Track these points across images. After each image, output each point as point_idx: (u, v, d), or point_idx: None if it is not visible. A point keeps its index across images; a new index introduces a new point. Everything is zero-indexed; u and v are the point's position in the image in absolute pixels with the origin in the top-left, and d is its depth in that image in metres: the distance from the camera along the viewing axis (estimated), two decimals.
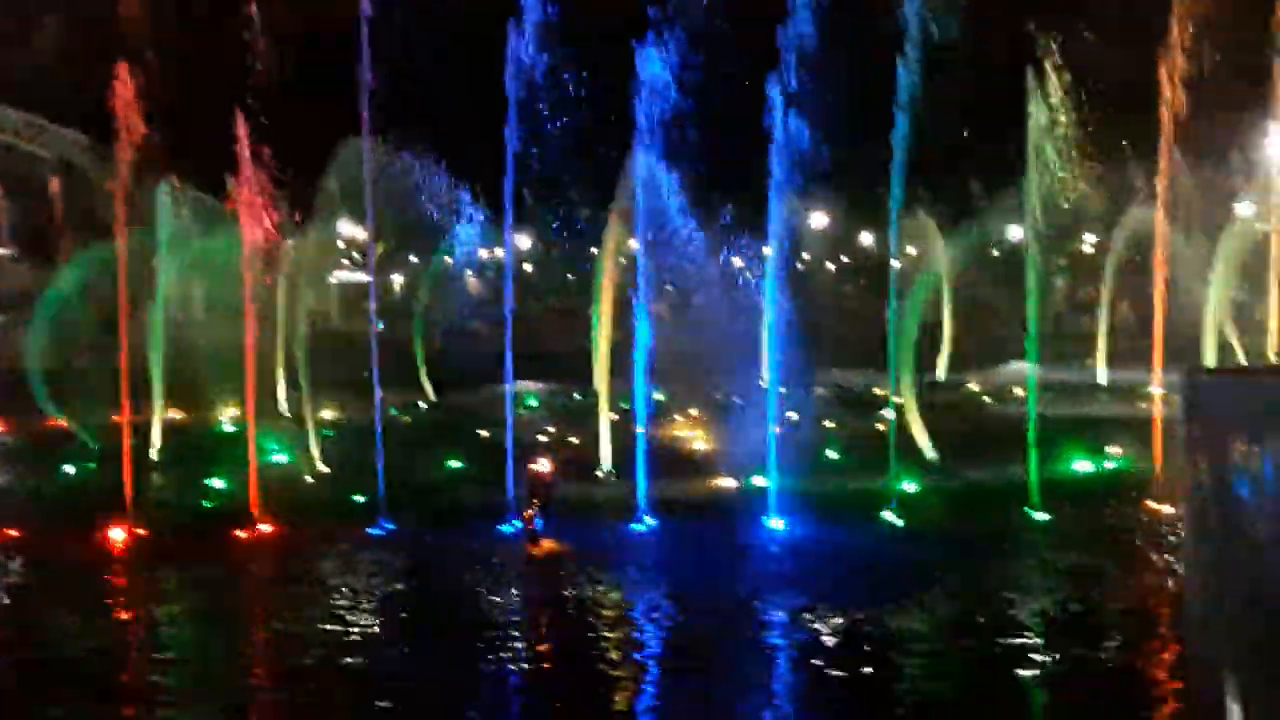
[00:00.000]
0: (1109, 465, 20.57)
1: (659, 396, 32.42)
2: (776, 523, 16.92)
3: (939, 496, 18.86)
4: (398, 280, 65.30)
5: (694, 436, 27.38)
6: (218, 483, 20.51)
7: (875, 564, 13.78)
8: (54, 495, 20.49)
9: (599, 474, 21.09)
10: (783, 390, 33.86)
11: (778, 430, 23.73)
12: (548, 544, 16.02)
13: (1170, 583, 12.69)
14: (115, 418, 20.67)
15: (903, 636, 11.70)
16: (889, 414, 27.52)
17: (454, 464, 23.16)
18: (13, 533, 17.03)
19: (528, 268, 71.51)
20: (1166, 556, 14.08)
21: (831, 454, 22.66)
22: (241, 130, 20.69)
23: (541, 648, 12.16)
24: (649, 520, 17.26)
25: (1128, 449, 19.98)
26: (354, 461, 22.22)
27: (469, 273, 62.85)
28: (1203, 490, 4.28)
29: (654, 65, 21.00)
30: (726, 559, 15.39)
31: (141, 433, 25.25)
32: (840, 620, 12.07)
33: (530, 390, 31.35)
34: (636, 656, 11.42)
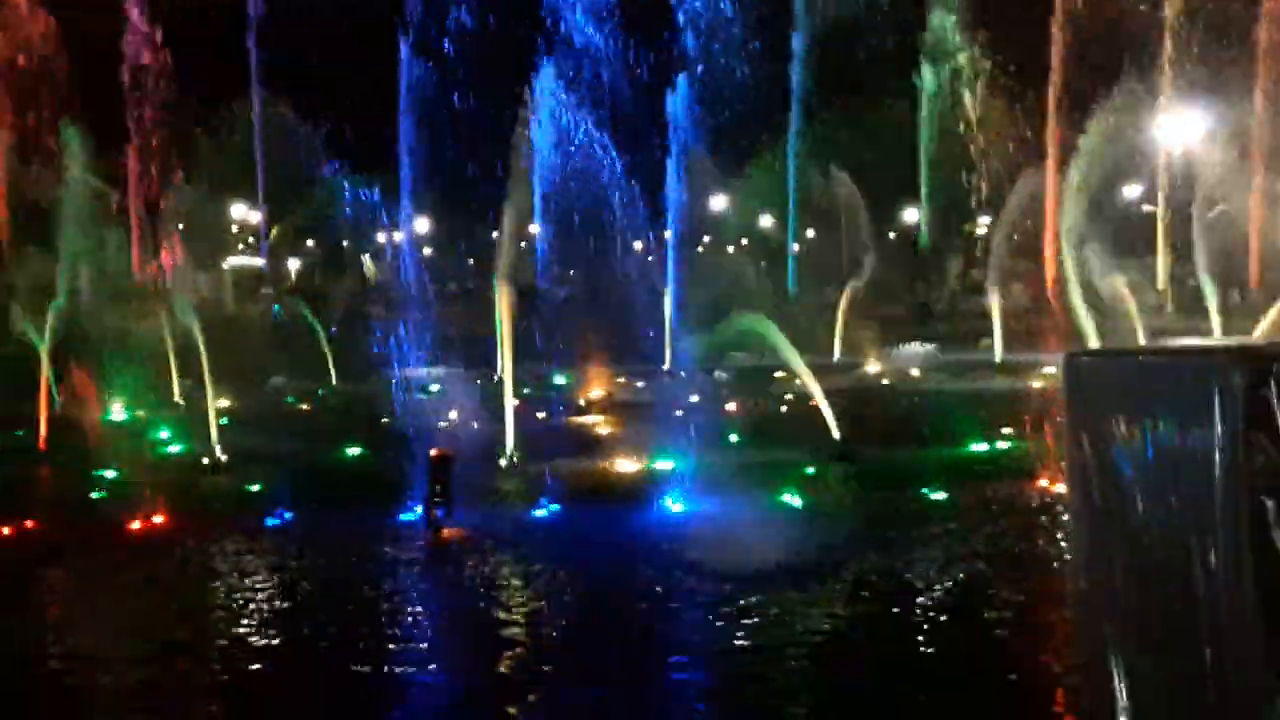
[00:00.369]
0: (1002, 445, 20.96)
1: (561, 380, 32.43)
2: (676, 506, 17.00)
3: (837, 478, 19.10)
4: (294, 265, 64.43)
5: (597, 421, 27.44)
6: (109, 474, 20.06)
7: (770, 545, 13.86)
8: None
9: (501, 460, 21.04)
10: (683, 373, 34.08)
11: (679, 413, 23.87)
12: (449, 531, 15.93)
13: (1058, 562, 12.97)
14: None
15: (791, 615, 11.82)
16: (789, 396, 27.87)
17: (353, 451, 22.93)
18: None
19: (427, 251, 70.97)
20: (1056, 535, 14.38)
21: (732, 436, 22.79)
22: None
23: (432, 634, 12.04)
24: (551, 506, 17.24)
25: (1019, 428, 20.37)
26: (251, 450, 21.93)
27: (366, 257, 62.28)
28: (1086, 470, 4.36)
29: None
30: (626, 543, 15.43)
31: (28, 424, 24.68)
32: (738, 599, 12.13)
33: (431, 375, 31.07)
34: (531, 647, 11.34)
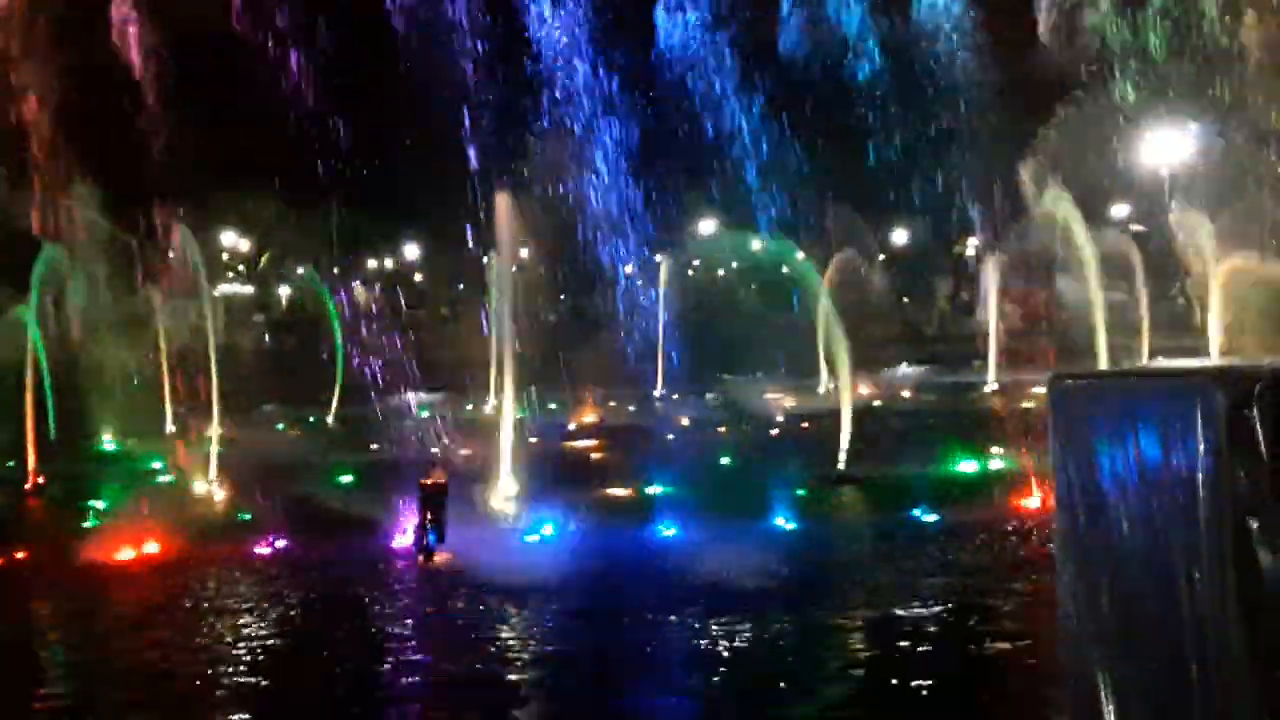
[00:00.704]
0: (995, 465, 21.00)
1: (553, 405, 32.42)
2: (669, 531, 16.99)
3: (829, 500, 19.12)
4: (284, 292, 64.42)
5: (590, 445, 27.43)
6: (100, 504, 20.01)
7: (764, 568, 13.87)
8: None
9: (492, 486, 20.98)
10: (675, 397, 34.09)
11: (671, 438, 23.90)
12: (440, 557, 15.90)
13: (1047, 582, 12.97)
14: None
15: (777, 641, 11.79)
16: (780, 419, 27.91)
17: (345, 479, 22.87)
18: None
19: (418, 277, 71.02)
20: (1045, 556, 14.38)
21: (724, 460, 22.80)
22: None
23: (425, 659, 12.01)
24: (544, 531, 17.22)
25: (1010, 450, 20.41)
26: (242, 478, 21.86)
27: (357, 283, 62.24)
28: (1071, 491, 4.38)
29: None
30: (619, 568, 15.40)
31: (20, 453, 24.57)
32: (731, 625, 12.11)
33: (424, 401, 31.06)
34: (525, 669, 11.32)
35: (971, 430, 23.89)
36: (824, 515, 18.11)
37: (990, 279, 41.74)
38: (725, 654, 11.36)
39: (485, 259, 34.91)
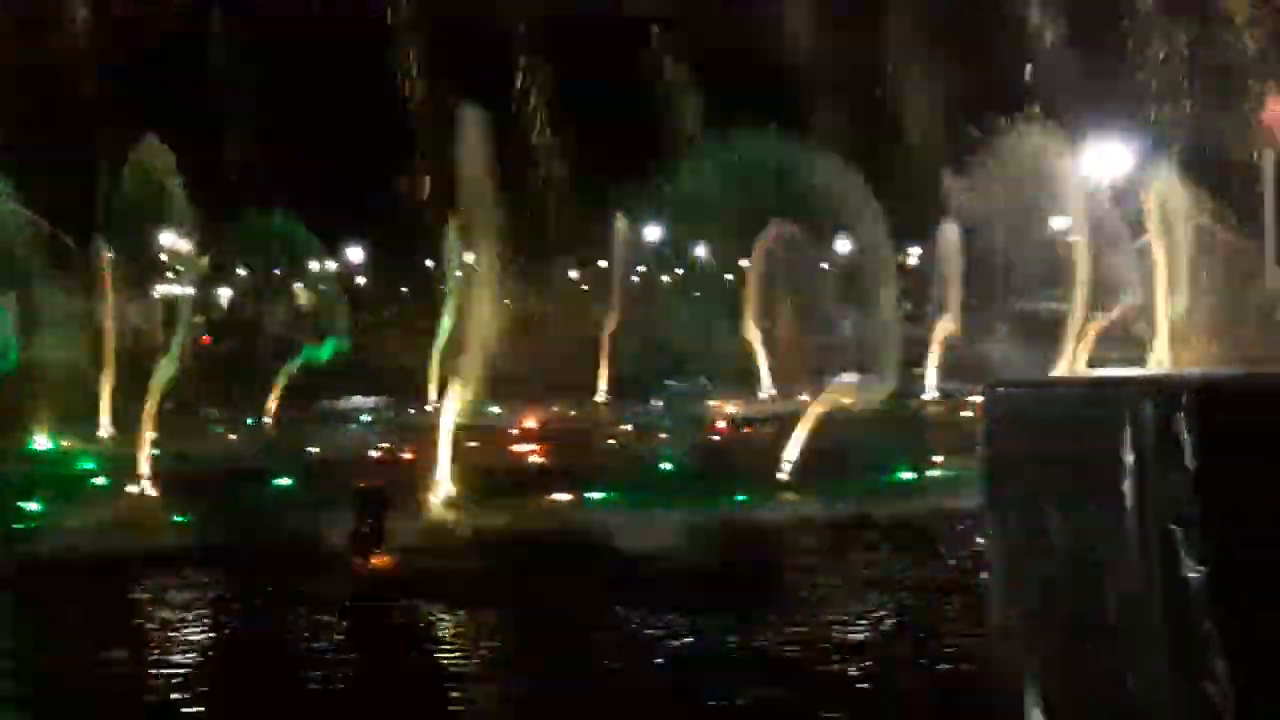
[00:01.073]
0: (934, 474, 21.14)
1: (496, 410, 32.29)
2: (614, 538, 16.94)
3: (770, 508, 19.14)
4: (225, 294, 63.78)
5: (531, 450, 27.31)
6: (33, 505, 19.67)
7: (706, 577, 13.90)
8: None
9: (432, 490, 20.85)
10: (619, 401, 34.05)
11: (615, 444, 23.87)
12: (378, 560, 15.75)
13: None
14: None
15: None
16: (721, 424, 27.96)
17: (283, 482, 22.62)
18: None
19: (360, 280, 70.60)
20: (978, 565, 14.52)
21: (666, 466, 22.78)
22: None
23: (359, 668, 11.91)
24: (485, 536, 17.14)
25: (950, 459, 20.58)
26: (178, 481, 21.59)
27: (298, 285, 61.78)
28: (1003, 499, 4.38)
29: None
30: (561, 574, 15.35)
31: None
32: (664, 633, 12.13)
33: (363, 406, 30.82)
34: (464, 675, 11.27)
35: (913, 438, 24.05)
36: (762, 521, 18.15)
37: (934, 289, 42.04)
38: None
39: (429, 263, 34.76)
